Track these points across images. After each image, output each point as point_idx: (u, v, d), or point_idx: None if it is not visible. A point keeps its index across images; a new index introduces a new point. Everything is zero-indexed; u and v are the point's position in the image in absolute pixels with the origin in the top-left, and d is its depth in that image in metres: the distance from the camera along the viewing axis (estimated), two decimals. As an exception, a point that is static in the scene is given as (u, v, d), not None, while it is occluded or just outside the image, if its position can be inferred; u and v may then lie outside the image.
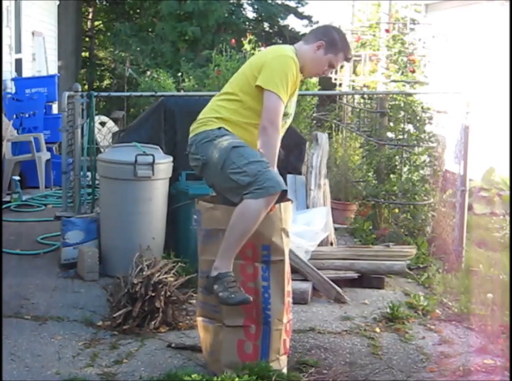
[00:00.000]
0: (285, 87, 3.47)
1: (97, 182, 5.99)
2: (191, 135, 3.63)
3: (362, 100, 8.22)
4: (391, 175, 6.70)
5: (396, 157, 6.60)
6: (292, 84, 3.52)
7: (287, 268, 3.57)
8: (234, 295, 3.35)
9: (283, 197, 3.47)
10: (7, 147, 8.09)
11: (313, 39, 3.67)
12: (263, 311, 3.49)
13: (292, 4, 18.06)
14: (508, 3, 8.47)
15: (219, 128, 3.54)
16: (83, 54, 19.02)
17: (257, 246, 3.46)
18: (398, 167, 6.61)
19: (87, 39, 20.07)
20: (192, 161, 3.64)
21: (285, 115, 3.60)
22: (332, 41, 3.65)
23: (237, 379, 3.30)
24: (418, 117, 6.55)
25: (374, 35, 11.35)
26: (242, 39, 8.88)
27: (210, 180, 3.64)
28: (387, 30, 8.42)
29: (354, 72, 12.96)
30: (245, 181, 3.37)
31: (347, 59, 3.79)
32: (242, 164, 3.39)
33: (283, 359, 3.63)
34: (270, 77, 3.47)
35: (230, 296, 3.35)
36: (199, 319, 3.73)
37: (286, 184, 5.70)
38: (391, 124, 6.80)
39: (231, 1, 16.69)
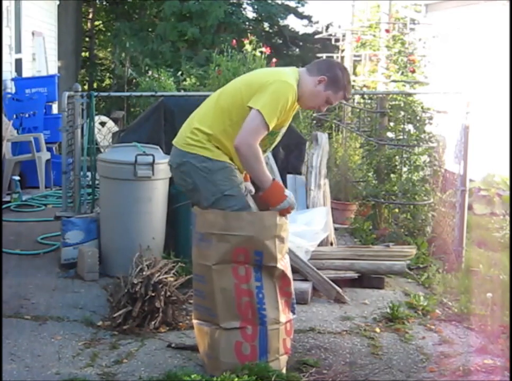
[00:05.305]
0: (274, 112, 3.39)
1: (97, 182, 5.99)
2: (181, 148, 3.57)
3: (362, 100, 8.21)
4: (391, 175, 6.69)
5: (396, 157, 6.60)
6: (284, 112, 3.44)
7: (284, 271, 3.55)
8: None
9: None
10: (7, 147, 8.09)
11: (317, 72, 3.57)
12: (258, 311, 3.49)
13: (292, 4, 18.07)
14: (508, 3, 8.47)
15: (211, 158, 3.50)
16: (83, 54, 19.02)
17: (249, 251, 3.47)
18: (398, 167, 6.61)
19: (87, 39, 20.07)
20: (179, 178, 3.64)
21: (273, 133, 3.58)
22: (334, 77, 3.56)
23: (236, 379, 3.31)
24: (418, 117, 6.55)
25: (374, 35, 11.31)
26: (243, 39, 8.87)
27: (194, 200, 3.67)
28: (387, 31, 8.41)
29: (354, 72, 12.95)
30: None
31: (346, 99, 3.75)
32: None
33: (283, 359, 3.62)
34: (262, 98, 3.39)
35: None
36: (195, 321, 3.74)
37: (286, 184, 5.75)
38: (391, 124, 6.80)
39: (231, 1, 16.69)
